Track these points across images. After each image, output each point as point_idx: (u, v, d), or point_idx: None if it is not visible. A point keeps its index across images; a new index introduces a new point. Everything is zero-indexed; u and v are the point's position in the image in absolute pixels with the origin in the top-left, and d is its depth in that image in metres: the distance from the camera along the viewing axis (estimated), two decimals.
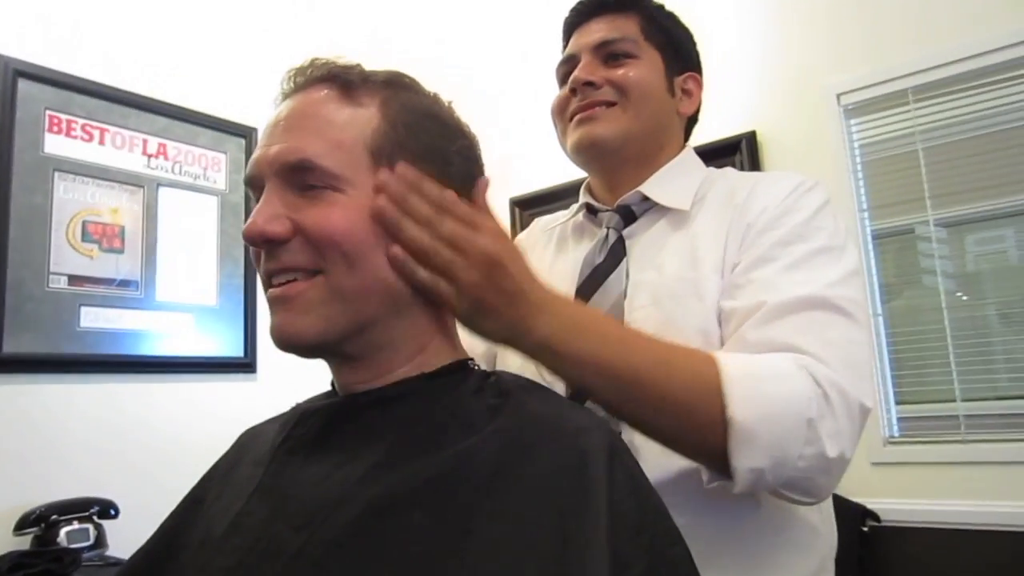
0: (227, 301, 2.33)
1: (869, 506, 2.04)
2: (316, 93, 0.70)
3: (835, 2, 2.26)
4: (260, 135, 0.72)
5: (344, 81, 0.70)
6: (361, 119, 0.69)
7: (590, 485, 0.58)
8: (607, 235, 1.02)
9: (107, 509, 1.93)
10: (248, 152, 2.40)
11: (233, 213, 2.38)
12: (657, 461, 0.82)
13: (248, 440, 0.80)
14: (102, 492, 1.95)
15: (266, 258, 0.68)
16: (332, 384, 0.76)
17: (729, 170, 1.07)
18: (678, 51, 1.07)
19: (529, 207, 2.84)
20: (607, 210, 1.05)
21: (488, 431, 0.63)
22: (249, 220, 0.66)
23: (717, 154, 2.37)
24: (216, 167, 2.39)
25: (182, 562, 0.71)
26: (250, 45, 2.52)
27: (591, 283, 0.99)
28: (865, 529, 2.03)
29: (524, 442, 0.62)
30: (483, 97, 3.01)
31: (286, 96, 0.72)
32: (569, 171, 2.66)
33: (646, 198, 1.01)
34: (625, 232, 1.02)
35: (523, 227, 2.79)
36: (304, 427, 0.71)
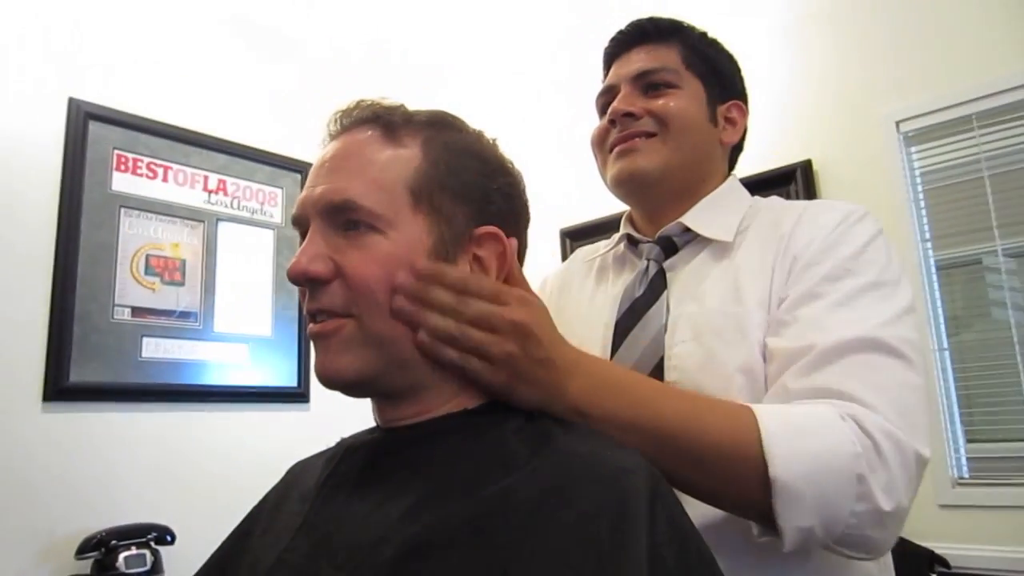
0: (281, 332, 2.38)
1: (937, 551, 1.93)
2: (360, 134, 0.72)
3: (893, 28, 2.20)
4: (306, 179, 0.74)
5: (387, 122, 0.72)
6: (403, 159, 0.70)
7: (630, 529, 0.57)
8: (647, 267, 1.00)
9: (164, 535, 1.98)
10: (303, 187, 2.45)
11: (288, 246, 2.44)
12: (697, 502, 0.78)
13: (297, 474, 0.81)
14: (159, 518, 2.00)
15: (308, 297, 0.70)
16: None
17: (775, 199, 1.02)
18: (721, 79, 1.04)
19: (580, 238, 2.82)
20: (648, 241, 1.02)
21: (528, 470, 0.62)
22: (294, 259, 0.68)
23: (771, 184, 2.33)
24: (272, 202, 2.46)
25: None
26: (305, 84, 2.60)
27: (631, 316, 0.97)
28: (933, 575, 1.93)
29: (564, 483, 0.61)
30: (535, 128, 3.03)
31: (332, 137, 0.74)
32: (620, 202, 2.65)
33: (687, 229, 0.99)
34: (666, 264, 0.99)
35: None
36: (348, 463, 0.72)
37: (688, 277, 0.96)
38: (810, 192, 2.27)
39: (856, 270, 0.82)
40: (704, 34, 1.07)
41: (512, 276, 0.74)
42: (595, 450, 0.65)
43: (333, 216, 0.68)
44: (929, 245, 2.13)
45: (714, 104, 1.02)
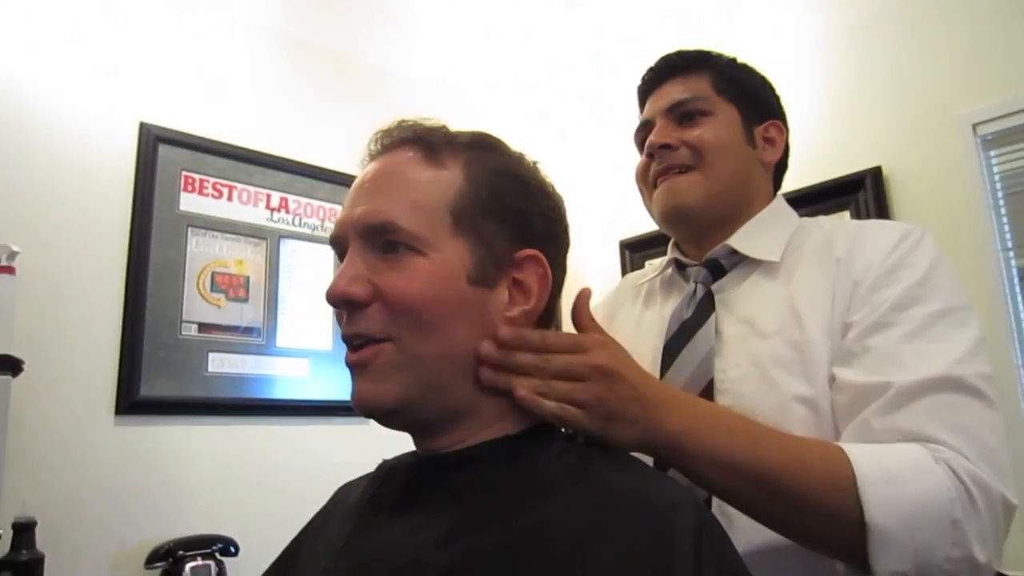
0: (341, 347, 2.39)
1: None
2: (401, 155, 0.71)
3: (968, 25, 2.09)
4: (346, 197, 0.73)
5: (428, 143, 0.71)
6: (444, 181, 0.69)
7: (674, 566, 0.55)
8: (695, 290, 1.00)
9: (228, 546, 2.04)
10: None
11: None
12: (752, 528, 0.78)
13: (343, 495, 0.82)
14: (224, 530, 2.06)
15: (346, 321, 0.69)
16: None
17: (821, 219, 1.02)
18: (755, 101, 1.04)
19: (639, 249, 2.78)
20: (695, 265, 1.02)
21: (568, 500, 0.61)
22: (332, 282, 0.68)
23: (839, 192, 2.24)
24: (333, 218, 2.50)
25: None
26: (363, 102, 2.65)
27: (679, 338, 0.96)
28: None
29: (604, 515, 0.59)
30: (593, 139, 3.00)
31: (372, 157, 0.74)
32: None
33: (734, 251, 0.99)
34: (714, 287, 0.99)
35: (633, 270, 2.73)
36: (388, 486, 0.72)
37: (738, 299, 0.96)
38: (880, 200, 2.16)
39: (923, 297, 0.80)
40: (734, 59, 1.08)
41: (584, 323, 0.75)
42: (638, 482, 0.64)
43: (373, 237, 0.68)
44: (1011, 254, 2.00)
45: (750, 126, 1.03)
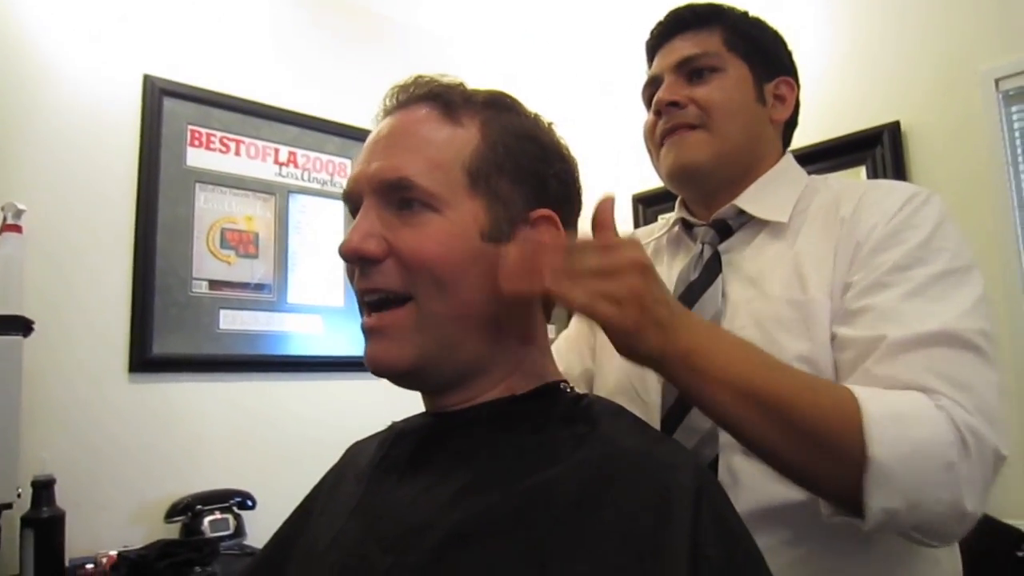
0: (354, 302, 2.39)
1: None
2: (417, 111, 0.71)
3: None
4: (361, 151, 0.72)
5: (446, 100, 0.71)
6: (460, 139, 0.69)
7: (672, 527, 0.57)
8: (702, 251, 0.99)
9: (245, 501, 2.07)
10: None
11: None
12: (758, 487, 0.81)
13: (353, 455, 0.83)
14: (241, 484, 2.09)
15: (360, 276, 0.69)
16: None
17: (831, 178, 1.01)
18: (766, 57, 1.02)
19: (652, 204, 2.76)
20: (702, 225, 1.02)
21: (573, 461, 0.63)
22: (346, 238, 0.68)
23: (856, 147, 2.22)
24: (342, 172, 2.47)
25: (289, 573, 0.75)
26: (373, 55, 2.59)
27: (686, 300, 0.96)
28: (1020, 554, 1.85)
29: (607, 476, 0.60)
30: (605, 91, 2.95)
31: (388, 112, 0.73)
32: None
33: (742, 211, 0.98)
34: (721, 247, 0.98)
35: (646, 223, 2.72)
36: (399, 448, 0.73)
37: (744, 260, 0.96)
38: (897, 156, 2.14)
39: (926, 258, 0.81)
40: (745, 14, 1.05)
41: (608, 226, 0.68)
42: (641, 444, 0.65)
43: (387, 194, 0.68)
44: None
45: (761, 83, 1.01)
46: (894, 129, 2.15)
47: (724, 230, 0.99)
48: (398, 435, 0.75)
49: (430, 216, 0.66)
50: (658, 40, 1.06)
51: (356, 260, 0.68)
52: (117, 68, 2.08)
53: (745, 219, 0.98)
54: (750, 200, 0.98)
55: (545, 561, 0.56)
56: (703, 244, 1.00)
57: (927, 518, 0.70)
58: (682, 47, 1.01)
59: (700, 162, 0.97)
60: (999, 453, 0.72)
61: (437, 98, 0.71)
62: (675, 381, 0.71)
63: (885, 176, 2.15)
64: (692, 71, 0.99)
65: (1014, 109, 2.03)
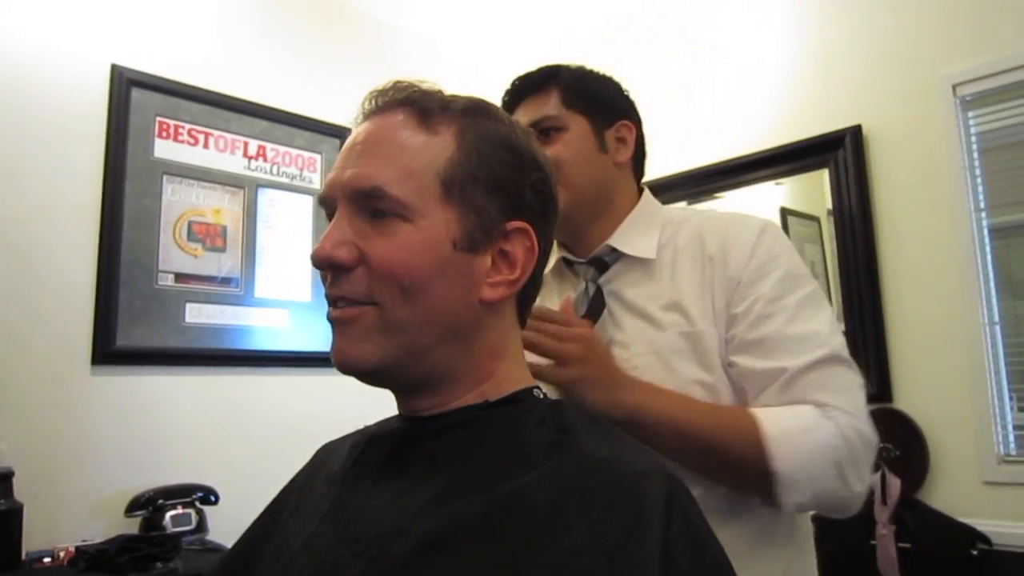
0: (321, 297, 2.37)
1: (979, 528, 1.90)
2: (393, 118, 0.70)
3: None
4: (338, 154, 0.73)
5: (422, 107, 0.70)
6: (435, 148, 0.68)
7: (643, 534, 0.57)
8: (587, 288, 1.11)
9: (208, 495, 2.05)
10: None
11: None
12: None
13: (324, 457, 0.82)
14: (204, 479, 2.07)
15: (330, 283, 0.69)
16: None
17: (688, 210, 1.19)
18: (603, 106, 1.12)
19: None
20: (581, 262, 1.12)
21: (545, 469, 0.63)
22: (318, 244, 0.68)
23: (819, 149, 2.27)
24: (312, 167, 2.46)
25: (258, 574, 0.74)
26: (343, 49, 2.59)
27: None
28: (974, 553, 1.90)
29: (580, 484, 0.61)
30: None
31: (365, 117, 0.73)
32: (689, 159, 2.58)
33: (615, 249, 1.09)
34: (601, 280, 1.10)
35: None
36: (371, 452, 0.73)
37: (625, 293, 1.08)
38: (859, 158, 2.19)
39: (792, 287, 1.00)
40: (580, 69, 1.14)
41: (570, 317, 0.97)
42: (614, 452, 0.66)
43: (360, 202, 0.67)
44: (984, 214, 2.05)
45: (601, 131, 1.11)
46: (856, 132, 2.20)
47: (601, 266, 1.11)
48: (371, 439, 0.74)
49: (401, 225, 0.66)
50: (507, 108, 1.14)
51: (327, 267, 0.68)
52: (84, 57, 2.05)
53: (618, 255, 1.10)
54: (620, 239, 1.09)
55: (519, 567, 0.57)
56: (586, 282, 1.11)
57: (828, 502, 0.94)
58: (526, 112, 1.10)
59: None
60: (874, 441, 0.95)
61: (414, 104, 0.70)
62: (624, 427, 0.78)
63: (847, 178, 2.21)
64: (540, 132, 1.08)
65: (971, 114, 2.08)
